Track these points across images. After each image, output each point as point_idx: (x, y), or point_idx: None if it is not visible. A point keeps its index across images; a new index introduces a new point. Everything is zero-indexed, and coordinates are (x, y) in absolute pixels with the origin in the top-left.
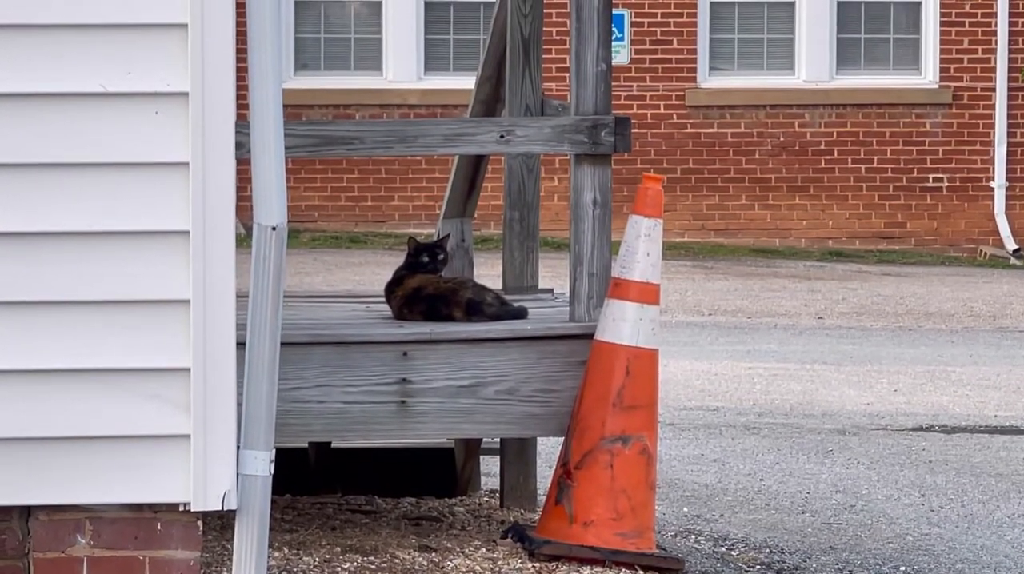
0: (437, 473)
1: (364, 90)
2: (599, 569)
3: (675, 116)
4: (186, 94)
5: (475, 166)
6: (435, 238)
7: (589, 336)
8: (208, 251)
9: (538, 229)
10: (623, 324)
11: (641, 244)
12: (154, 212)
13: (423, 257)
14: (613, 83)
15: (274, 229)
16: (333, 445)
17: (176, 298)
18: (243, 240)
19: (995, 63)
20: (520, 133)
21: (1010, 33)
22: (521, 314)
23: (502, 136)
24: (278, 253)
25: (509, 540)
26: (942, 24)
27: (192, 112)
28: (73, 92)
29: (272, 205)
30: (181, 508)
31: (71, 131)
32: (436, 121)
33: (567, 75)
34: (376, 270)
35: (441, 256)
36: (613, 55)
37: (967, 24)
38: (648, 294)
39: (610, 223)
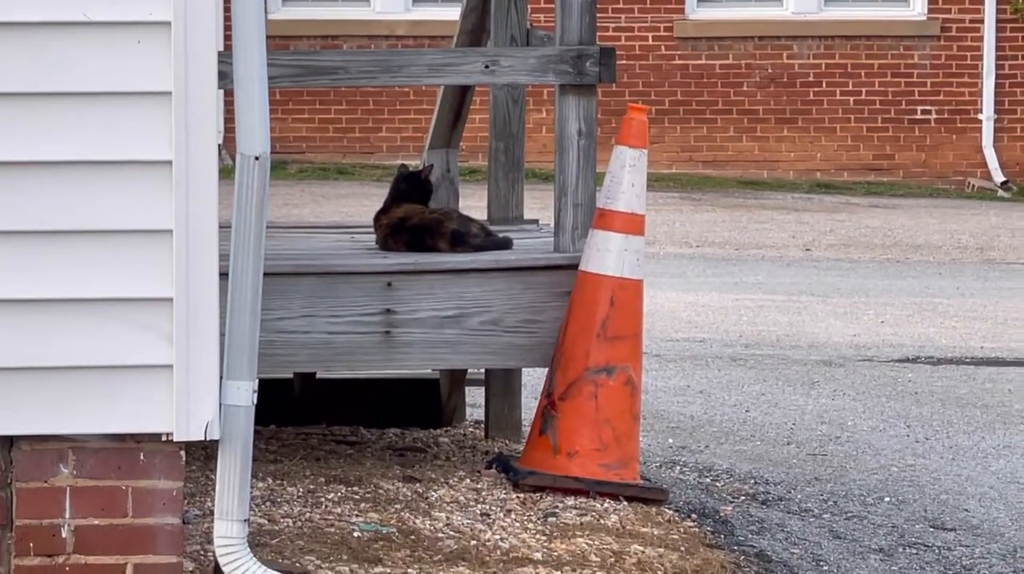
0: (422, 404)
1: (352, 21)
2: (583, 499)
3: (663, 48)
4: (169, 23)
5: (460, 97)
6: (420, 168)
7: (574, 267)
8: (191, 181)
9: (523, 160)
10: (607, 255)
11: (626, 175)
12: (136, 142)
13: (403, 185)
14: (601, 14)
15: (257, 159)
16: (318, 376)
17: (159, 228)
18: (231, 171)
19: None
20: (505, 63)
21: None
22: (506, 245)
23: (487, 66)
24: (261, 183)
25: (493, 471)
26: None
27: (175, 41)
28: (54, 21)
29: (255, 135)
30: (164, 438)
31: (52, 61)
32: (421, 51)
33: (553, 5)
34: (364, 201)
35: (428, 187)
36: None
37: None
38: (633, 225)
39: (595, 153)
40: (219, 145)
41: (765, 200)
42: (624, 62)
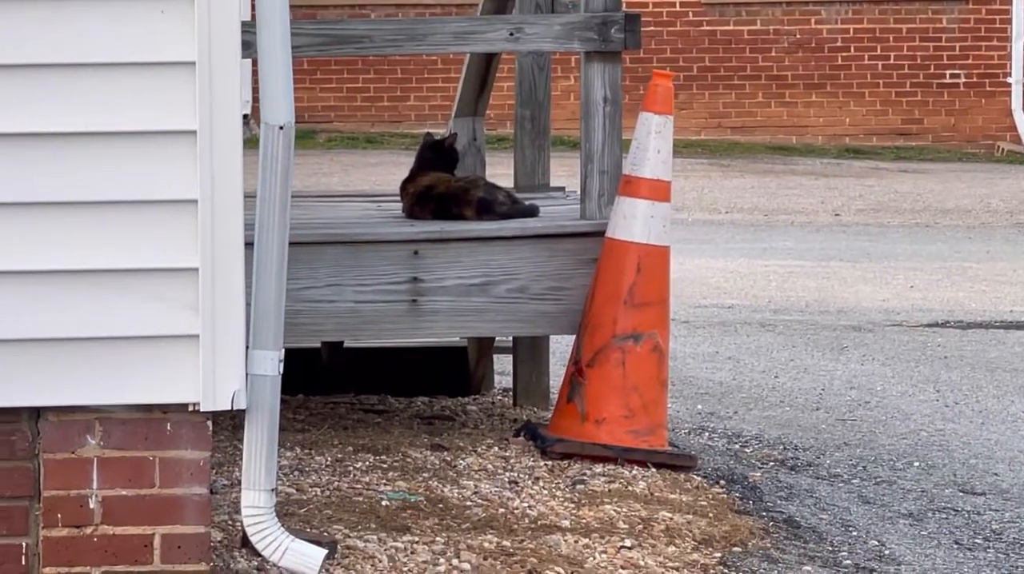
0: (450, 372)
1: None
2: (611, 466)
3: (691, 14)
4: None
5: (486, 64)
6: (446, 136)
7: (600, 234)
8: (215, 151)
9: (550, 127)
10: (634, 221)
11: (652, 141)
12: (160, 112)
13: (428, 153)
14: None
15: (281, 128)
16: (345, 345)
17: (183, 198)
18: (258, 141)
19: None
20: (529, 31)
21: None
22: (532, 212)
23: (511, 34)
24: (286, 152)
25: (521, 438)
26: None
27: (198, 11)
28: None
29: (279, 104)
30: (190, 408)
31: (74, 30)
32: (445, 19)
33: None
34: (393, 170)
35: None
36: None
37: None
38: (659, 191)
39: (621, 120)
40: (246, 115)
41: (794, 166)
42: (651, 28)
